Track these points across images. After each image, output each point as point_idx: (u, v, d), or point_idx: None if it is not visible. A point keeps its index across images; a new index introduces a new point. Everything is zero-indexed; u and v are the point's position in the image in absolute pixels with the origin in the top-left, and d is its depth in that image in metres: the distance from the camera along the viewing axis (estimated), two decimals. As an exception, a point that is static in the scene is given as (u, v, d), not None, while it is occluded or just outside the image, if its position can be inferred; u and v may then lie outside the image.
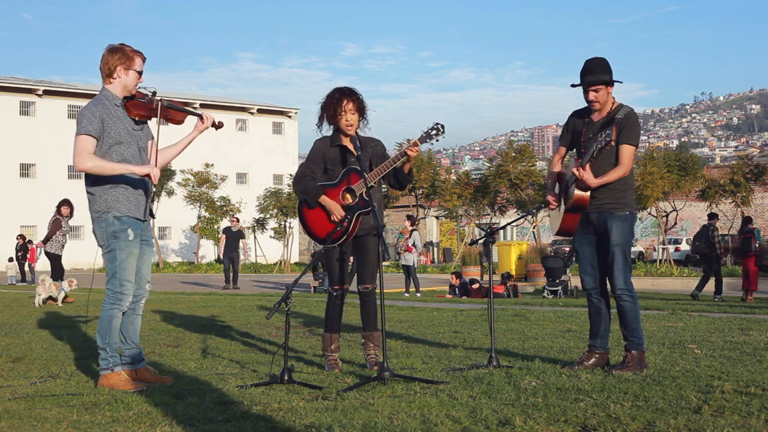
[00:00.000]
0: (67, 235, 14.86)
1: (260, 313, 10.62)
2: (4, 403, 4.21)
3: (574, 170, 5.05)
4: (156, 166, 4.87)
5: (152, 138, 5.03)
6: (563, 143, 5.45)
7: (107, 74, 4.80)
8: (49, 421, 3.78)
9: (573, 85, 5.25)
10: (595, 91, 5.12)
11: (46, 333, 8.05)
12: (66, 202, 14.57)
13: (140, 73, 4.84)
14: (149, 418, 3.82)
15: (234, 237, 21.24)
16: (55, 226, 14.52)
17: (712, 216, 17.08)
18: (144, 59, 4.86)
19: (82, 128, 4.67)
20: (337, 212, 5.27)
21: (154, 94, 4.96)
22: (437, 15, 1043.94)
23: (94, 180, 4.78)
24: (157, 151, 4.98)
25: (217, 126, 5.12)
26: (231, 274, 21.35)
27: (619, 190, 5.12)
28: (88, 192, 4.83)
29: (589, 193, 5.09)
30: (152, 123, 5.04)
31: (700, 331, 7.68)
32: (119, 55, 4.77)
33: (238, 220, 22.45)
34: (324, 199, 5.32)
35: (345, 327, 7.39)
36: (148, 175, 4.75)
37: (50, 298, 12.85)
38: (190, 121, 5.02)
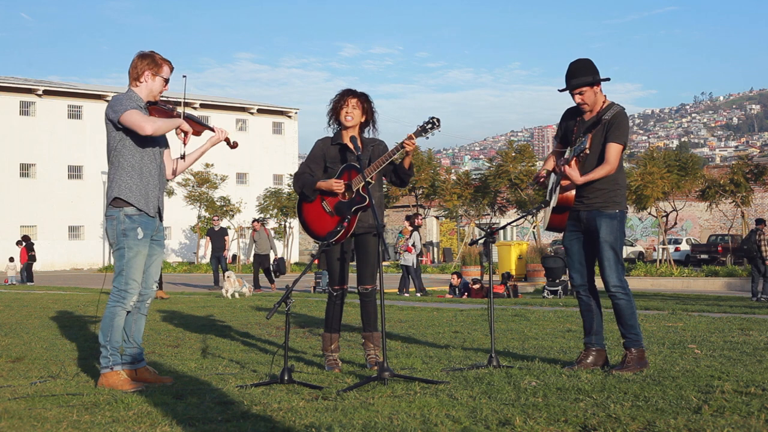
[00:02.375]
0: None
1: (260, 313, 10.62)
2: (4, 403, 4.21)
3: (562, 166, 5.09)
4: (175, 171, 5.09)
5: (167, 147, 5.13)
6: (558, 140, 5.49)
7: (135, 77, 4.91)
8: (49, 421, 3.79)
9: (560, 90, 5.26)
10: (580, 93, 5.13)
11: (46, 333, 8.05)
12: None
13: (167, 81, 4.96)
14: (149, 418, 3.82)
15: (218, 236, 21.29)
16: None
17: (760, 221, 18.04)
18: (172, 68, 4.99)
19: (124, 107, 4.74)
20: (337, 186, 5.30)
21: (178, 105, 5.09)
22: (435, 15, 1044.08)
23: (111, 164, 4.86)
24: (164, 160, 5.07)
25: (232, 145, 5.23)
26: (220, 275, 21.42)
27: (609, 190, 5.12)
28: (107, 182, 4.92)
29: (573, 193, 5.13)
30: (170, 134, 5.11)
31: (700, 331, 7.68)
32: (149, 61, 4.91)
33: (219, 219, 22.65)
34: (320, 183, 5.39)
35: (345, 327, 7.39)
36: (185, 131, 4.86)
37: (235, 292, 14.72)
38: (207, 135, 5.12)
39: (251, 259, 21.04)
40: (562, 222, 5.29)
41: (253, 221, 20.52)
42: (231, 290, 14.98)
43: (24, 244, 27.37)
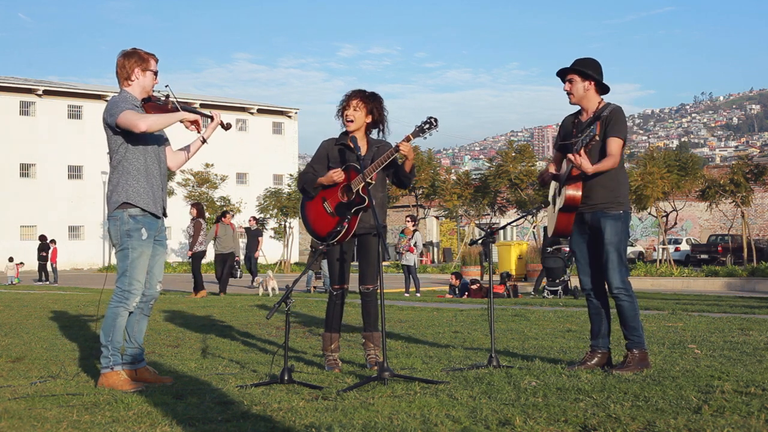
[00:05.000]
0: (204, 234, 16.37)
1: (260, 313, 10.62)
2: (4, 403, 4.22)
3: (571, 156, 5.01)
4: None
5: (168, 143, 5.13)
6: (557, 149, 5.45)
7: (125, 77, 4.90)
8: (49, 421, 3.79)
9: (557, 73, 5.23)
10: (570, 81, 5.12)
11: (46, 333, 8.05)
12: (193, 205, 16.49)
13: (156, 74, 4.96)
14: (149, 418, 3.82)
15: (252, 236, 21.51)
16: (196, 228, 16.27)
17: None
18: (157, 60, 4.99)
19: (119, 109, 4.74)
20: (336, 176, 5.29)
21: (167, 97, 5.08)
22: (433, 15, 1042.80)
23: (114, 169, 4.83)
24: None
25: (226, 126, 5.17)
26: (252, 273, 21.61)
27: (611, 189, 5.10)
28: (109, 185, 4.88)
29: (580, 193, 5.10)
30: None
31: (700, 331, 7.67)
32: (135, 58, 4.90)
33: (255, 219, 22.88)
34: (320, 179, 5.39)
35: (345, 327, 7.39)
36: (193, 122, 4.89)
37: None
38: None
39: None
40: (567, 226, 5.22)
41: (223, 214, 18.41)
42: (276, 287, 16.48)
43: (56, 244, 27.91)
